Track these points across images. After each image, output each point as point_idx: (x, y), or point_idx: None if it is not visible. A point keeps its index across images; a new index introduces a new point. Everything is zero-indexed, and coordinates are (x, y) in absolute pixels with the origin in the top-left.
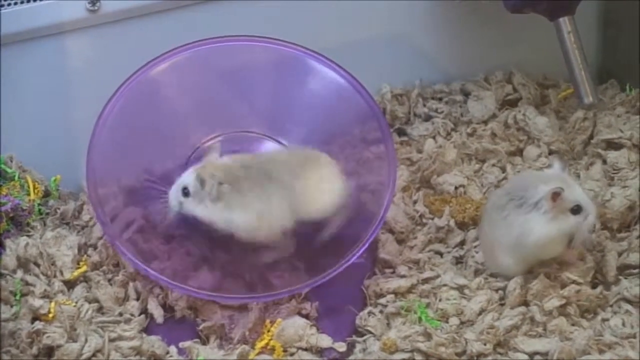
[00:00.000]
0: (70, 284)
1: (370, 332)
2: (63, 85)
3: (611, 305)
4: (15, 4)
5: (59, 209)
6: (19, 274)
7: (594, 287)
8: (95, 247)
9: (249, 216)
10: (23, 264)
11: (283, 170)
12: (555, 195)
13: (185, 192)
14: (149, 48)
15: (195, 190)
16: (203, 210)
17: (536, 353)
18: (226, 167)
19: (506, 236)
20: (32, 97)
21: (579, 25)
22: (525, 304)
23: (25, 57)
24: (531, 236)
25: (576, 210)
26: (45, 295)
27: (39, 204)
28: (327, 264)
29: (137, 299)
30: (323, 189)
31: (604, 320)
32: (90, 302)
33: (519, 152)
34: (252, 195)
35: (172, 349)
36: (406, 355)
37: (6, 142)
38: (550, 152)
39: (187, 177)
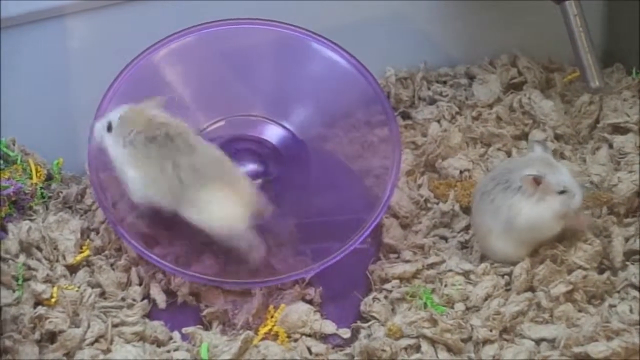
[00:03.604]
0: (72, 269)
1: (375, 318)
2: (65, 69)
3: (618, 291)
4: None
5: (61, 192)
6: (22, 258)
7: (600, 272)
8: (97, 231)
9: (139, 178)
10: (25, 248)
11: (190, 172)
12: (537, 181)
13: (109, 126)
14: (151, 31)
15: (115, 129)
16: (114, 151)
17: (543, 339)
18: (152, 119)
19: (495, 220)
20: (34, 81)
21: (584, 8)
22: (532, 289)
23: (26, 41)
24: (519, 218)
25: (562, 191)
26: (48, 280)
27: (41, 188)
28: (331, 248)
29: (140, 284)
30: (214, 209)
31: (611, 306)
32: (92, 287)
33: (524, 136)
34: (152, 162)
35: (175, 335)
36: (412, 341)
37: (8, 126)
38: (556, 136)
39: (115, 114)
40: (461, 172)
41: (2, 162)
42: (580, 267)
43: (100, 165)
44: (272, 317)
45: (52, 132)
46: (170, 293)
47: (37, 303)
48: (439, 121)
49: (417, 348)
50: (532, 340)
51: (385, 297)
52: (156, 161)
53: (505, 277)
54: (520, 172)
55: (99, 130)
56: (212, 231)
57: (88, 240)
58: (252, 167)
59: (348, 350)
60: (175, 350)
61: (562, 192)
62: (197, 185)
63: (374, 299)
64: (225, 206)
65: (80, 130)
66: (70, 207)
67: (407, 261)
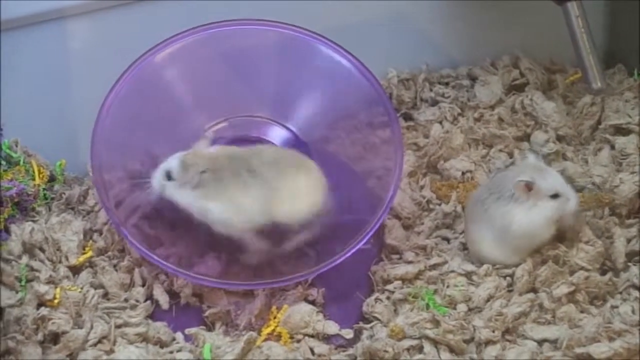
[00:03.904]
0: (75, 270)
1: (377, 319)
2: (67, 70)
3: (620, 292)
4: None
5: (64, 193)
6: (24, 259)
7: (602, 273)
8: (100, 232)
9: (224, 207)
10: (28, 249)
11: (267, 167)
12: (529, 186)
13: (169, 175)
14: (153, 32)
15: (178, 175)
16: (182, 196)
17: (545, 340)
18: (211, 156)
19: (489, 229)
20: (37, 82)
21: (586, 9)
22: (534, 290)
23: (29, 42)
24: (513, 225)
25: (555, 196)
26: (51, 281)
27: (44, 189)
28: (333, 250)
29: (143, 285)
30: (302, 195)
31: (613, 307)
32: (95, 288)
33: (526, 137)
34: (231, 186)
35: (178, 335)
36: (414, 342)
37: (11, 127)
38: (558, 138)
39: (172, 162)
40: (463, 173)
41: (5, 163)
42: (582, 268)
43: (103, 166)
44: (274, 317)
45: (55, 133)
46: (173, 294)
47: (40, 304)
48: (441, 122)
49: (420, 349)
50: (535, 341)
51: (388, 298)
52: (231, 181)
53: (508, 278)
54: (512, 181)
55: (158, 181)
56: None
57: (91, 241)
58: None
59: (351, 351)
60: (179, 351)
61: (554, 197)
62: (279, 173)
63: (376, 299)
64: (310, 192)
65: (82, 132)
66: (72, 209)
67: (410, 262)
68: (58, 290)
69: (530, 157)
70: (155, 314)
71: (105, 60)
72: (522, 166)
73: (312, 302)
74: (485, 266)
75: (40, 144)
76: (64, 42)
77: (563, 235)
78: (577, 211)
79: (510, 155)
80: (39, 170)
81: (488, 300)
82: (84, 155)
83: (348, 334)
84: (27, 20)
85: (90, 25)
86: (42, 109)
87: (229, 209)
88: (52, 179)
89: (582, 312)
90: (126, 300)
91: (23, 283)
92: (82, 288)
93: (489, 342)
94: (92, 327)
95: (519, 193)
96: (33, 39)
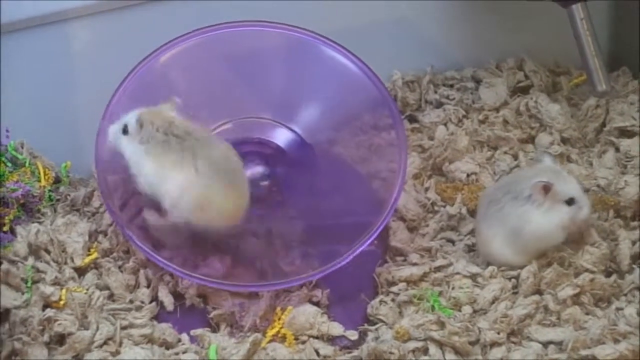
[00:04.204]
0: (80, 271)
1: (382, 321)
2: (72, 72)
3: (625, 294)
4: None
5: (69, 195)
6: (30, 260)
7: (607, 275)
8: (105, 233)
9: (156, 169)
10: (34, 250)
11: (209, 162)
12: (546, 188)
13: (124, 129)
14: (158, 34)
15: (132, 131)
16: (129, 149)
17: (550, 342)
18: (169, 120)
19: (502, 228)
20: (43, 84)
21: (591, 11)
22: (539, 292)
23: (34, 44)
24: (527, 227)
25: (570, 201)
26: (56, 282)
27: (49, 191)
28: (338, 251)
29: (148, 287)
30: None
31: (618, 309)
32: (101, 289)
33: (531, 139)
34: (171, 156)
35: (184, 337)
36: (419, 344)
37: (17, 129)
38: (563, 140)
39: (131, 117)
40: (468, 175)
41: (10, 165)
42: (587, 270)
43: (108, 168)
44: (279, 319)
45: (60, 135)
46: (178, 295)
47: (46, 305)
48: (445, 124)
49: (425, 351)
50: (540, 343)
51: (393, 300)
52: (174, 154)
53: (513, 280)
54: (529, 182)
55: (114, 133)
56: (205, 225)
57: (96, 242)
58: (259, 169)
59: (356, 352)
60: (184, 352)
61: (568, 202)
62: (210, 177)
63: (381, 301)
64: (225, 203)
65: (87, 134)
66: (78, 210)
67: (414, 264)
68: (64, 291)
69: (547, 160)
70: (160, 316)
71: (110, 62)
72: (539, 168)
73: (317, 304)
74: (490, 268)
75: (46, 145)
76: (68, 45)
77: (568, 238)
78: (588, 219)
79: (515, 157)
80: (44, 172)
81: (493, 302)
82: (89, 157)
83: (353, 335)
84: (32, 22)
85: (94, 28)
86: (48, 111)
87: (158, 174)
88: (57, 181)
89: (587, 314)
90: (131, 301)
91: (29, 284)
92: (87, 289)
93: (494, 344)
94: (97, 329)
95: (537, 194)
96: (38, 41)
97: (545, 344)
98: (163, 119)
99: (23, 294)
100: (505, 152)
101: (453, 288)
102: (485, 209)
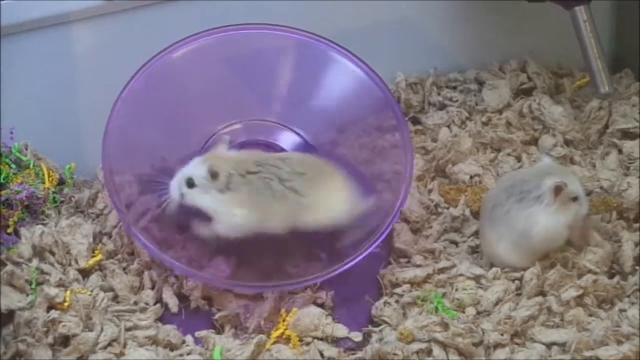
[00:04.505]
0: (85, 273)
1: (386, 322)
2: (76, 74)
3: (628, 296)
4: None
5: (73, 197)
6: (35, 262)
7: (611, 277)
8: (110, 235)
9: (250, 212)
10: (38, 252)
11: (296, 177)
12: (559, 189)
13: (190, 182)
14: (162, 36)
15: (201, 182)
16: (206, 201)
17: (553, 343)
18: (236, 159)
19: (509, 230)
20: (47, 86)
21: (594, 13)
22: (542, 294)
23: (38, 46)
24: (536, 228)
25: (575, 199)
26: (61, 284)
27: (53, 192)
28: (343, 253)
29: (152, 288)
30: (330, 201)
31: (622, 310)
32: (105, 291)
33: (534, 141)
34: (261, 193)
35: (189, 338)
36: (423, 345)
37: (21, 131)
38: (566, 142)
39: (194, 169)
40: (471, 177)
41: (14, 166)
42: (590, 271)
43: (113, 169)
44: (284, 320)
45: (64, 137)
46: (182, 297)
47: (50, 307)
48: (449, 126)
49: (429, 352)
50: (543, 344)
51: (397, 302)
52: (262, 187)
53: (516, 281)
54: (535, 182)
55: (177, 189)
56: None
57: (100, 244)
58: None
59: (360, 354)
60: (189, 354)
61: (574, 200)
62: (309, 187)
63: (385, 303)
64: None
65: (91, 136)
66: (82, 212)
67: (418, 266)
68: (68, 293)
69: (546, 159)
70: (164, 317)
71: (114, 63)
72: (542, 168)
73: (321, 305)
74: (493, 269)
75: (50, 147)
76: (72, 47)
77: (569, 239)
78: (585, 215)
79: (518, 159)
80: (48, 174)
81: (497, 304)
82: (93, 158)
83: (357, 337)
84: (36, 24)
85: (98, 30)
86: (52, 112)
87: (253, 214)
88: (61, 182)
89: (590, 315)
90: (136, 303)
91: (33, 286)
92: (92, 291)
93: (497, 346)
94: (102, 330)
95: (552, 196)
96: (43, 43)
97: (549, 345)
98: (227, 161)
99: (27, 295)
100: (509, 154)
101: (457, 289)
102: (489, 211)
